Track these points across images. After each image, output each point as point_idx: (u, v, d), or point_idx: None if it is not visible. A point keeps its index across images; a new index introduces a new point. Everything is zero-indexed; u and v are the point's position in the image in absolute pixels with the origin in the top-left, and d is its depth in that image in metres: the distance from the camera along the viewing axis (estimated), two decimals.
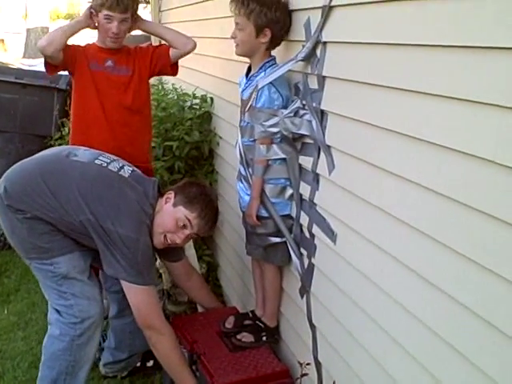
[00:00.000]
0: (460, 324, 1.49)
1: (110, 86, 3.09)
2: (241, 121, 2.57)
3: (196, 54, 3.31)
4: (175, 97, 4.28)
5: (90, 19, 3.01)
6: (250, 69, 2.55)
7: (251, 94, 2.42)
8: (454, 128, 1.47)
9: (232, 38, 2.47)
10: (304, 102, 2.29)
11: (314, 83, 2.24)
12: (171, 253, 2.82)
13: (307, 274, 2.39)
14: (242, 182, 2.62)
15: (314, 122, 2.24)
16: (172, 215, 2.54)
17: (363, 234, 1.96)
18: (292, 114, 2.32)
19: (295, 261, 2.46)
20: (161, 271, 3.36)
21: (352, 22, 1.98)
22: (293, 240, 2.47)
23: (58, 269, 2.50)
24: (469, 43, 1.40)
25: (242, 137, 2.56)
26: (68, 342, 2.54)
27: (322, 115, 2.21)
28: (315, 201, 2.30)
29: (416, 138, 1.62)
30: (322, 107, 2.19)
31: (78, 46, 3.10)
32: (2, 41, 16.75)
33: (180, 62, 3.25)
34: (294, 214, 2.48)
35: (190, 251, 3.28)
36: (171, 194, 2.59)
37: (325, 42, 2.15)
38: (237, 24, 2.42)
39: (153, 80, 3.54)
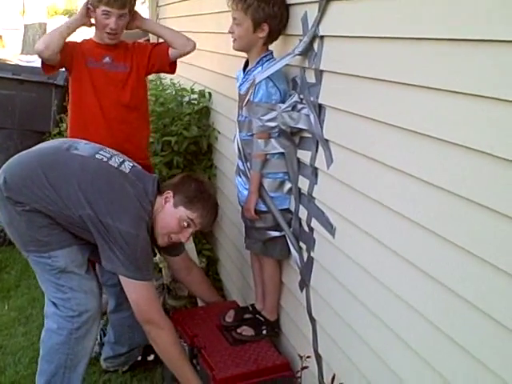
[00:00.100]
0: (461, 317, 1.49)
1: (108, 82, 3.08)
2: (239, 115, 2.57)
3: None
4: (173, 92, 4.28)
5: (86, 17, 3.00)
6: (247, 63, 2.55)
7: (249, 88, 2.42)
8: (454, 121, 1.47)
9: (229, 32, 2.47)
10: (302, 96, 2.29)
11: (311, 77, 2.24)
12: (171, 247, 2.83)
13: (306, 268, 2.40)
14: (240, 177, 2.62)
15: (311, 116, 2.24)
16: (174, 216, 2.56)
17: (362, 227, 1.96)
18: (290, 109, 2.32)
19: (294, 254, 2.46)
20: (161, 266, 3.37)
21: (349, 15, 1.98)
22: (292, 234, 2.47)
23: (56, 262, 2.51)
24: (467, 36, 1.40)
25: (240, 131, 2.56)
26: (66, 336, 2.55)
27: (319, 109, 2.21)
28: (314, 195, 2.31)
29: (415, 131, 1.62)
30: (320, 101, 2.19)
31: (75, 43, 3.08)
32: (0, 37, 16.70)
33: None
34: (292, 208, 2.48)
35: (189, 245, 3.29)
36: (169, 194, 2.58)
37: (322, 36, 2.15)
38: (234, 19, 2.42)
39: (151, 75, 3.53)
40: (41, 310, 3.64)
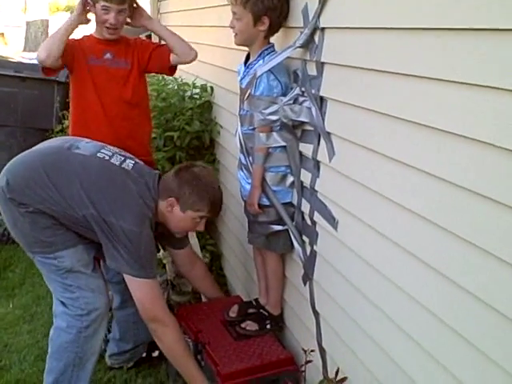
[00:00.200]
0: (463, 309, 1.49)
1: (109, 79, 3.06)
2: (240, 109, 2.56)
3: (195, 44, 3.29)
4: (175, 87, 4.26)
5: (83, 15, 2.98)
6: (248, 57, 2.53)
7: (250, 82, 2.41)
8: (456, 112, 1.45)
9: (230, 27, 2.46)
10: (303, 89, 2.28)
11: (312, 70, 2.23)
12: (176, 240, 2.83)
13: (309, 262, 2.39)
14: (242, 171, 2.61)
15: (313, 109, 2.23)
16: (185, 220, 2.57)
17: (365, 220, 1.95)
18: (291, 102, 2.31)
19: (297, 248, 2.45)
20: (164, 261, 3.37)
21: (349, 7, 1.96)
22: (294, 227, 2.46)
23: (62, 263, 2.51)
24: (468, 26, 1.38)
25: (242, 125, 2.55)
26: (75, 334, 2.55)
27: (321, 102, 2.20)
28: (316, 188, 2.30)
29: (417, 122, 1.61)
30: (321, 94, 2.18)
31: (75, 41, 3.05)
32: (2, 34, 16.70)
33: None
34: (295, 202, 2.47)
35: (192, 240, 3.28)
36: (172, 200, 2.52)
37: (323, 28, 2.13)
38: (234, 13, 2.41)
39: None
40: (45, 307, 3.68)
